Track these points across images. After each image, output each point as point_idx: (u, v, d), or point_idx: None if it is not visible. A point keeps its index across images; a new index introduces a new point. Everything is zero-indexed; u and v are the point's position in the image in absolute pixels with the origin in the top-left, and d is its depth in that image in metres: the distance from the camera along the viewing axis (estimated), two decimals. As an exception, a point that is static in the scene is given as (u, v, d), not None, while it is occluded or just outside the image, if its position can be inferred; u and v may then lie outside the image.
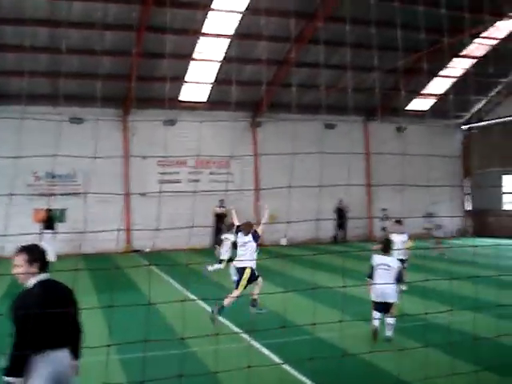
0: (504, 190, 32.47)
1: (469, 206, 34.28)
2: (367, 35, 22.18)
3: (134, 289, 15.10)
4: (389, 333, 9.67)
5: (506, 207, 32.43)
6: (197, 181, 27.11)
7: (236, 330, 10.45)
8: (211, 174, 27.65)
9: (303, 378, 7.72)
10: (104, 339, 6.79)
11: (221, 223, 27.03)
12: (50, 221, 22.18)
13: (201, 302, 12.77)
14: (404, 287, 13.03)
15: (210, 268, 16.55)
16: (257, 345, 9.33)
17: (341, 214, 29.23)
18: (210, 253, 21.34)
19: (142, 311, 9.11)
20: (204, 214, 25.73)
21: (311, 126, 28.28)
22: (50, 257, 11.89)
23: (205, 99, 27.35)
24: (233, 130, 27.45)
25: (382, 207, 29.65)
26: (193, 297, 13.68)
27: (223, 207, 26.88)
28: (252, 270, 11.40)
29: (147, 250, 25.22)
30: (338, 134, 29.05)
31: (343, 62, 25.18)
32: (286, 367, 8.09)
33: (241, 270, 11.42)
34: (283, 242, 27.76)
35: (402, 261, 12.01)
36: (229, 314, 11.20)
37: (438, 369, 7.31)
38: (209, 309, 11.74)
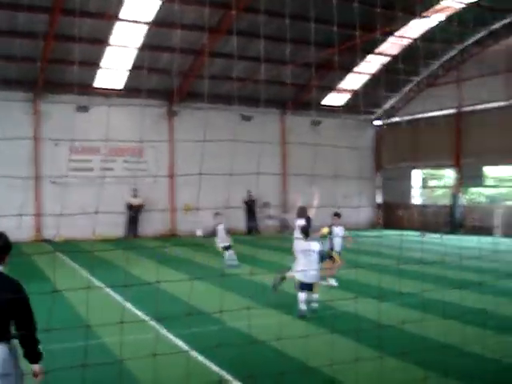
0: (413, 184, 33.75)
1: (380, 199, 35.38)
2: (284, 28, 22.45)
3: (40, 277, 14.61)
4: (315, 305, 10.62)
5: (414, 201, 33.71)
6: (110, 169, 26.62)
7: (145, 318, 10.34)
8: (125, 162, 27.14)
9: (211, 366, 7.73)
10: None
11: (135, 213, 26.72)
12: None
13: (109, 290, 12.60)
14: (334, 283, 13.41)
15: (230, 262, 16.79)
16: (166, 334, 9.28)
17: (250, 206, 29.46)
18: (123, 243, 21.03)
19: (48, 300, 8.85)
20: (117, 202, 25.27)
21: (228, 117, 28.27)
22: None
23: (120, 86, 26.84)
24: (148, 118, 27.07)
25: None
26: (100, 284, 13.50)
27: (137, 196, 26.59)
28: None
29: (56, 238, 24.49)
30: (254, 126, 29.23)
31: (260, 54, 25.28)
32: (194, 355, 8.07)
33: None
34: (199, 232, 27.63)
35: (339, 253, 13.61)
36: (138, 303, 11.10)
37: (345, 354, 7.49)
38: (116, 296, 11.62)
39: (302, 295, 10.50)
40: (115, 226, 25.73)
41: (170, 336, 9.16)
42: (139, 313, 10.74)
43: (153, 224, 27.36)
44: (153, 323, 9.47)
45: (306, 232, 11.14)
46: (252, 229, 29.52)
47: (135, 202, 26.63)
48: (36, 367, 4.68)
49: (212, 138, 27.49)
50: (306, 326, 9.71)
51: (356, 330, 8.39)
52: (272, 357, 8.03)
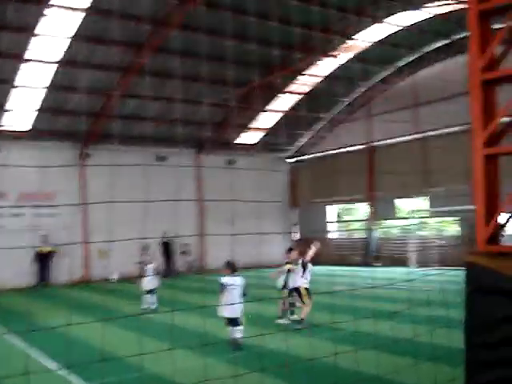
0: (328, 219, 34.24)
1: (297, 235, 35.59)
2: (197, 69, 22.51)
3: None
4: (239, 335, 10.91)
5: (330, 235, 34.14)
6: (20, 215, 25.48)
7: (54, 367, 9.66)
8: (35, 207, 25.98)
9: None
10: None
11: (45, 260, 25.53)
12: None
13: (17, 341, 11.82)
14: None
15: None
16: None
17: (166, 247, 28.78)
18: (33, 292, 19.95)
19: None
20: (27, 250, 24.04)
21: (142, 158, 27.81)
22: None
23: (29, 128, 25.82)
24: (60, 161, 26.17)
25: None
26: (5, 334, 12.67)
27: (47, 243, 25.37)
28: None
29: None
30: (169, 167, 28.91)
31: (174, 94, 25.16)
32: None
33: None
34: (114, 276, 26.81)
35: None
36: (48, 352, 10.42)
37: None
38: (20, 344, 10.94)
39: (230, 330, 10.90)
40: (26, 275, 24.51)
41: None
42: (50, 362, 10.06)
43: (65, 271, 26.19)
44: (63, 373, 8.85)
45: (233, 267, 11.39)
46: (170, 272, 28.61)
47: (45, 249, 25.41)
48: None
49: (126, 180, 27.02)
50: (234, 366, 9.33)
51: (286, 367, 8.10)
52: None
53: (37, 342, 11.33)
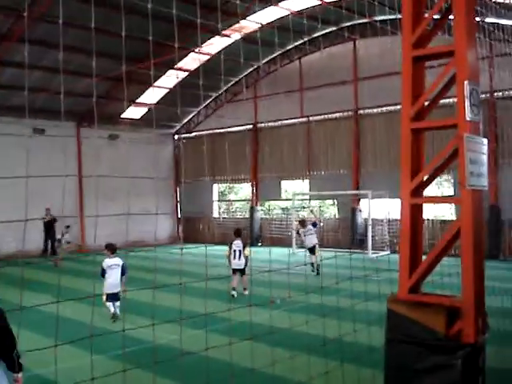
0: (212, 197, 34.25)
1: (179, 214, 35.34)
2: (83, 39, 21.45)
3: None
4: (117, 310, 12.47)
5: (215, 215, 34.21)
6: None
7: None
8: None
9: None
10: None
11: None
12: None
13: None
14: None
15: None
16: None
17: (48, 225, 27.37)
18: None
19: None
20: None
21: (19, 130, 26.25)
22: None
23: None
24: None
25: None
26: None
27: None
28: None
29: None
30: (48, 139, 27.56)
31: (55, 64, 23.89)
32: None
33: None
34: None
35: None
36: None
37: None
38: None
39: (110, 304, 12.45)
40: None
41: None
42: None
43: None
44: None
45: (113, 248, 12.87)
46: (48, 250, 27.47)
47: None
48: (19, 376, 5.50)
49: (2, 153, 25.47)
50: (118, 364, 9.03)
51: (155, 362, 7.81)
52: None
53: None
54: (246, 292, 15.27)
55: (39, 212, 25.81)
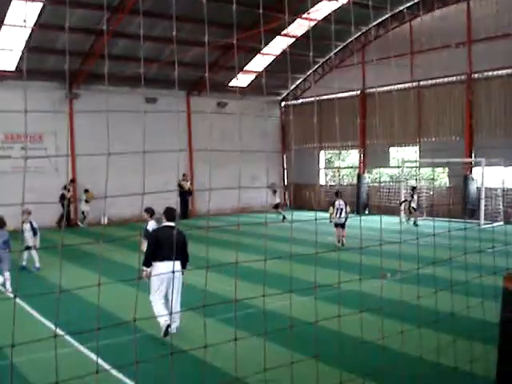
0: (319, 164, 34.09)
1: (286, 180, 35.56)
2: (191, 9, 21.74)
3: None
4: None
5: (321, 182, 34.10)
6: (7, 157, 25.06)
7: (60, 332, 9.56)
8: (23, 149, 25.43)
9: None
10: None
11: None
12: None
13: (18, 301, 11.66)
14: None
15: None
16: (82, 349, 8.62)
17: (183, 191, 28.69)
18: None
19: None
20: (17, 192, 23.57)
21: (132, 100, 27.23)
22: None
23: (13, 68, 25.02)
24: (47, 102, 25.58)
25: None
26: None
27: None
28: None
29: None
30: (159, 108, 28.42)
31: (165, 34, 24.42)
32: (113, 373, 7.50)
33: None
34: (103, 220, 26.67)
35: None
36: (51, 315, 10.32)
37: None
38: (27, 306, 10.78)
39: None
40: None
41: (87, 351, 8.51)
42: (52, 326, 9.97)
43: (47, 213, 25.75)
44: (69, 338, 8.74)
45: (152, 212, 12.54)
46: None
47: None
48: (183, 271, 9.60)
49: (116, 121, 26.47)
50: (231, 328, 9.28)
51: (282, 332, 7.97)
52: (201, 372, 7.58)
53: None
54: (345, 242, 18.37)
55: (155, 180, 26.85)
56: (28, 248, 15.15)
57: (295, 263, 13.20)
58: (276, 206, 27.07)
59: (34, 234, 15.03)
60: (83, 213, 26.92)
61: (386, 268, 12.57)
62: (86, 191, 26.43)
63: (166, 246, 8.92)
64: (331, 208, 18.85)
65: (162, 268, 8.90)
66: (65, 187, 25.13)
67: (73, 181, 26.65)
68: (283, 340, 7.91)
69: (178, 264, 8.92)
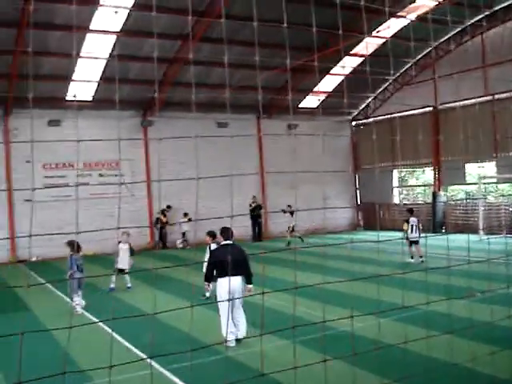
0: (392, 183, 33.55)
1: (359, 200, 35.17)
2: (259, 33, 21.99)
3: (19, 307, 13.82)
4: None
5: (395, 201, 33.52)
6: (85, 184, 25.89)
7: (141, 355, 9.69)
8: (101, 176, 26.30)
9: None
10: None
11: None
12: None
13: (99, 323, 11.90)
14: None
15: None
16: (163, 371, 8.69)
17: (255, 212, 28.97)
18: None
19: (32, 337, 8.20)
20: (95, 217, 24.34)
21: (204, 125, 27.75)
22: None
23: (92, 98, 26.02)
24: (123, 130, 26.42)
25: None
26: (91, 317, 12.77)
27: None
28: None
29: (33, 258, 23.66)
30: (230, 133, 28.74)
31: (235, 59, 24.77)
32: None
33: None
34: (178, 244, 27.28)
35: None
36: (132, 339, 10.49)
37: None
38: (107, 329, 10.97)
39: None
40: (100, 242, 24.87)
41: (168, 374, 8.58)
42: (134, 349, 10.13)
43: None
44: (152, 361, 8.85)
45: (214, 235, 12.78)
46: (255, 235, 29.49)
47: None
48: (251, 286, 10.11)
49: (189, 147, 27.02)
50: (291, 351, 9.15)
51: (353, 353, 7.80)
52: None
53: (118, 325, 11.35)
54: (423, 259, 18.42)
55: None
56: (121, 271, 15.62)
57: (370, 283, 12.92)
58: (293, 229, 26.47)
59: (131, 254, 15.78)
60: (183, 234, 27.59)
61: (467, 288, 12.12)
62: (186, 214, 27.23)
63: (226, 262, 9.48)
64: (405, 224, 19.21)
65: (225, 283, 9.49)
66: (162, 212, 26.41)
67: (169, 206, 27.30)
68: (368, 362, 7.73)
69: (239, 278, 9.91)
